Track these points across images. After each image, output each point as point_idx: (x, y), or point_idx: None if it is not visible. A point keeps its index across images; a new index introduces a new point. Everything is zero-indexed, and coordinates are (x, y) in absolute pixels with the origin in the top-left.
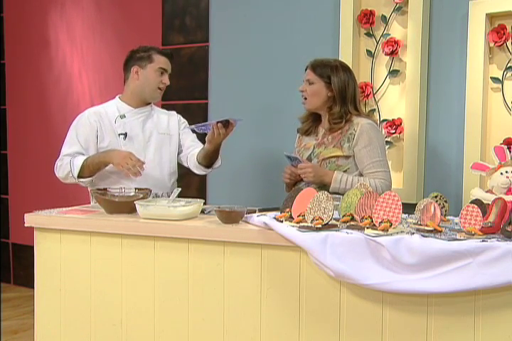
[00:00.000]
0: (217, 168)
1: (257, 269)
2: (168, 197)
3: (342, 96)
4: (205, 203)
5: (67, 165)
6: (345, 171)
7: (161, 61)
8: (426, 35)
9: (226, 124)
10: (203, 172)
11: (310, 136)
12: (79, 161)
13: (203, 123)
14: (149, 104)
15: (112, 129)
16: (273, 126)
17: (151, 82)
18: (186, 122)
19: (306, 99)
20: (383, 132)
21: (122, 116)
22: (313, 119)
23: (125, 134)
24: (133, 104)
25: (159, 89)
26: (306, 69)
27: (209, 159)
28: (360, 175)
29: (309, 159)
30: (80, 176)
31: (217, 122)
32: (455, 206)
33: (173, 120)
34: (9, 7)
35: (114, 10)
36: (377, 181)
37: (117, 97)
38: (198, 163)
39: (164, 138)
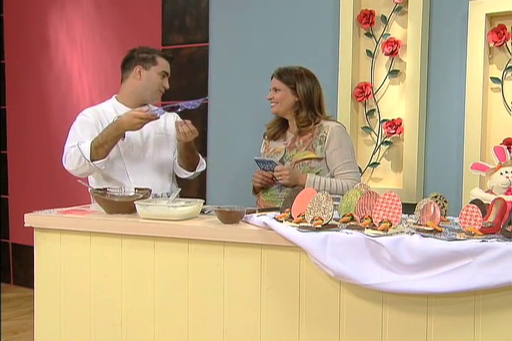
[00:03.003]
0: (200, 172)
1: (257, 269)
2: (169, 197)
3: (308, 101)
4: (205, 203)
5: (77, 153)
6: (317, 173)
7: (164, 64)
8: (426, 35)
9: (172, 110)
10: (185, 176)
11: (278, 140)
12: (86, 145)
13: (155, 109)
14: (145, 104)
15: None
16: None
17: (153, 84)
18: None
19: (274, 104)
20: (383, 132)
21: (120, 117)
22: (280, 124)
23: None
24: (130, 105)
25: (159, 90)
26: (271, 78)
27: (186, 161)
28: (332, 176)
29: (281, 162)
30: (93, 159)
31: (166, 108)
32: (455, 206)
33: (170, 120)
34: (9, 7)
35: (114, 10)
36: (349, 182)
37: (114, 97)
38: (179, 165)
39: (162, 138)
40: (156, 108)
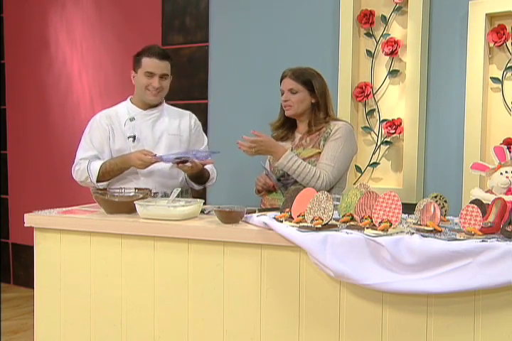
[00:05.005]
0: (210, 185)
1: (257, 269)
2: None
3: (323, 101)
4: (205, 203)
5: (85, 171)
6: None
7: (147, 65)
8: (426, 35)
9: (185, 161)
10: (196, 188)
11: (286, 141)
12: (96, 166)
13: (167, 155)
14: (160, 104)
15: (122, 132)
16: None
17: (141, 86)
18: (200, 126)
19: (290, 106)
20: (383, 132)
21: (132, 119)
22: (288, 126)
23: (134, 137)
24: (142, 106)
25: (148, 90)
26: (281, 79)
27: (196, 181)
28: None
29: None
30: (98, 180)
31: (176, 159)
32: (455, 206)
33: (185, 121)
34: (9, 7)
35: (114, 10)
36: (323, 172)
37: (129, 99)
38: (190, 179)
39: (174, 139)
40: (168, 156)
